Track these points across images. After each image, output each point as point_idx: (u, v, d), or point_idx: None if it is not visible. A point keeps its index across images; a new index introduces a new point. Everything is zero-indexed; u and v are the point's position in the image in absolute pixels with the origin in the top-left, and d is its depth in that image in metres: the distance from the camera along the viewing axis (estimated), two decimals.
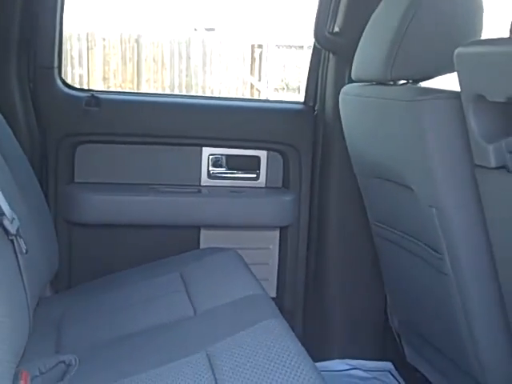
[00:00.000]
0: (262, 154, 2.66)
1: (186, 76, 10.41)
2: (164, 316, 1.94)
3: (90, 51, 9.58)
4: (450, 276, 1.89)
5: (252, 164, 2.66)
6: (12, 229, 1.68)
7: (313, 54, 2.69)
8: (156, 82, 10.31)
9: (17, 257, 1.72)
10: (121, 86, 9.86)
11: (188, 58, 10.32)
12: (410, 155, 1.92)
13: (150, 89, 10.13)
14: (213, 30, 10.89)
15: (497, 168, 1.64)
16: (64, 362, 1.76)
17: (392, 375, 2.56)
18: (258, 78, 10.39)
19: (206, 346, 1.68)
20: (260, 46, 10.28)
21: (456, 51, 1.67)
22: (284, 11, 10.27)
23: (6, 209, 1.68)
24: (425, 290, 2.11)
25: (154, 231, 2.57)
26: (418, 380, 2.43)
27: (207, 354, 1.64)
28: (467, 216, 1.81)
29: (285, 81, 10.53)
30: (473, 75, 1.64)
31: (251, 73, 10.38)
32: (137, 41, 10.19)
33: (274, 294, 2.66)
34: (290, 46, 10.38)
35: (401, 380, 2.54)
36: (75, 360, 1.75)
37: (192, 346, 1.71)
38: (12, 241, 1.70)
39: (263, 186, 2.68)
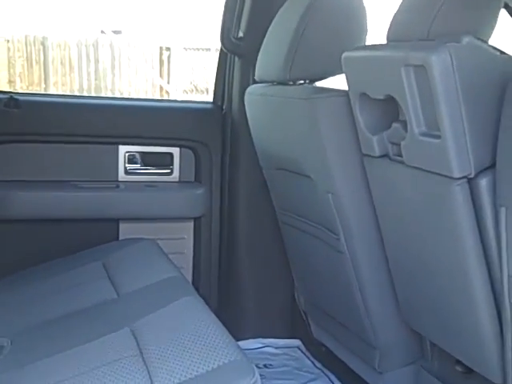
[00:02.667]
0: (175, 151, 2.84)
1: (95, 79, 10.40)
2: (89, 300, 2.09)
3: None
4: (345, 254, 2.14)
5: (166, 160, 2.85)
6: None
7: (219, 57, 2.90)
8: (64, 85, 10.24)
9: None
10: (28, 89, 9.74)
11: (96, 60, 10.31)
12: (307, 147, 2.15)
13: (58, 92, 10.06)
14: (120, 32, 10.89)
15: (380, 156, 1.90)
16: None
17: (300, 351, 2.81)
18: (167, 81, 10.50)
19: (129, 323, 1.85)
20: (168, 49, 10.39)
21: (343, 55, 1.92)
22: (191, 14, 10.41)
23: None
24: (325, 269, 2.35)
25: (74, 225, 2.71)
26: (324, 354, 2.68)
27: (131, 330, 1.82)
28: (358, 199, 2.06)
29: (193, 83, 10.66)
30: (357, 76, 1.89)
31: (160, 75, 10.48)
32: (43, 43, 10.08)
33: (190, 281, 2.84)
34: (198, 49, 10.54)
35: (308, 355, 2.78)
36: (7, 342, 1.90)
37: (116, 323, 1.88)
38: None
39: (177, 180, 2.86)
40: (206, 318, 1.81)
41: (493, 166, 1.58)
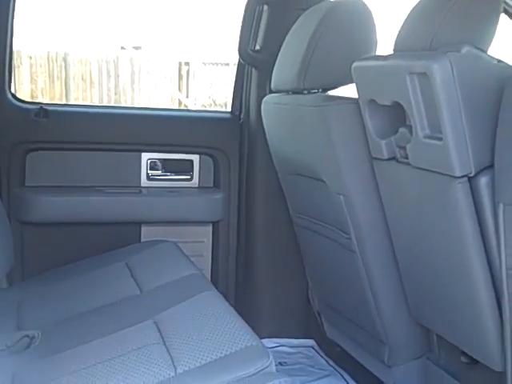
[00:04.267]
0: (195, 158, 2.98)
1: (115, 94, 10.56)
2: (113, 296, 2.23)
3: (16, 69, 9.62)
4: (356, 253, 2.25)
5: (186, 167, 2.99)
6: None
7: (237, 69, 3.05)
8: (85, 100, 10.40)
9: None
10: None
11: (116, 75, 10.48)
12: (320, 152, 2.28)
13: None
14: (140, 48, 11.08)
15: (388, 159, 2.02)
16: (28, 335, 2.03)
17: (314, 350, 2.91)
18: (185, 95, 10.65)
19: (152, 315, 1.98)
20: (187, 64, 10.55)
21: (353, 65, 2.05)
22: (209, 29, 10.57)
23: None
24: (338, 269, 2.47)
25: (99, 228, 2.85)
26: (337, 353, 2.78)
27: (154, 322, 1.94)
28: (368, 200, 2.18)
29: (212, 97, 10.80)
30: (366, 84, 2.01)
31: (179, 89, 10.63)
32: (64, 59, 10.26)
33: None
34: (217, 64, 10.68)
35: (322, 354, 2.89)
36: (38, 334, 2.03)
37: (140, 316, 2.00)
38: None
39: (196, 186, 3.00)
40: (224, 309, 1.93)
41: (492, 165, 1.69)
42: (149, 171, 2.94)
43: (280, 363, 2.76)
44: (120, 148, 2.88)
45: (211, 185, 3.02)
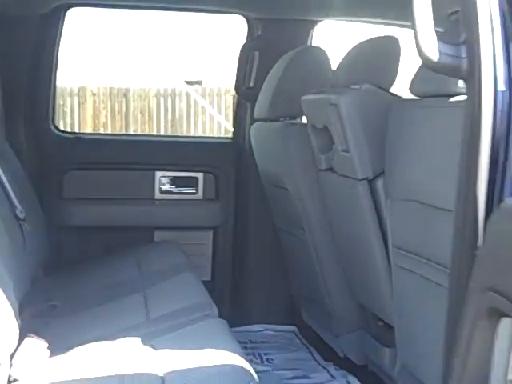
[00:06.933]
0: (200, 175, 3.63)
1: (172, 126, 11.31)
2: (120, 277, 2.89)
3: (81, 106, 10.48)
4: (309, 244, 2.86)
5: (192, 183, 3.64)
6: (21, 216, 2.63)
7: (237, 103, 3.70)
8: (143, 132, 11.16)
9: (23, 237, 2.65)
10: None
11: (173, 109, 11.20)
12: (284, 166, 2.90)
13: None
14: (196, 82, 11.78)
15: (326, 170, 2.62)
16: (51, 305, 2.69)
17: (294, 334, 3.49)
18: None
19: (143, 289, 2.63)
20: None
21: (301, 99, 2.68)
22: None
23: (17, 205, 2.64)
24: (303, 262, 3.06)
25: (120, 232, 3.50)
26: (311, 336, 3.34)
27: (143, 295, 2.59)
28: (317, 203, 2.78)
29: None
30: (309, 112, 2.65)
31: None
32: (125, 94, 11.04)
33: (209, 278, 3.58)
34: None
35: (300, 337, 3.45)
36: (59, 303, 2.69)
37: (133, 290, 2.65)
38: (20, 225, 2.65)
39: (201, 198, 3.65)
40: (193, 283, 2.58)
41: None
42: (161, 186, 3.60)
43: (262, 342, 3.35)
44: (138, 167, 3.56)
45: (213, 197, 3.65)
